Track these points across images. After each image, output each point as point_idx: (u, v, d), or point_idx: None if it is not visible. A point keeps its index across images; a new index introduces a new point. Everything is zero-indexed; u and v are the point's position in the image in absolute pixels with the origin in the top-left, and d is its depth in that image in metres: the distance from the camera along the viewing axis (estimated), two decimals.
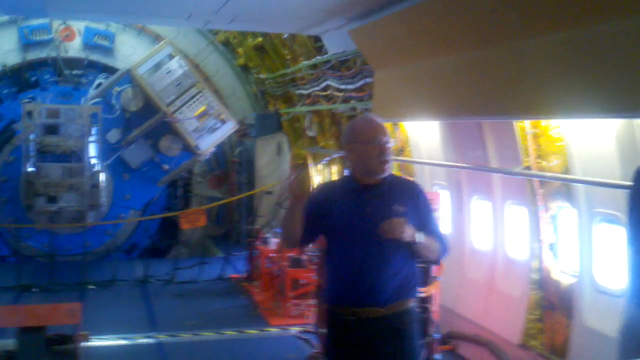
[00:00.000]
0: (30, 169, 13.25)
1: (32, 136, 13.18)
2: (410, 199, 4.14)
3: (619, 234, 5.68)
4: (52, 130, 13.26)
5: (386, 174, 4.12)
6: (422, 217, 4.13)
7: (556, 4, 5.10)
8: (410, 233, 3.90)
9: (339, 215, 4.08)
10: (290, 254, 9.92)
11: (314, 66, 11.71)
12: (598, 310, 5.91)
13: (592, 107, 4.94)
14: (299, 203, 4.08)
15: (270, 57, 14.34)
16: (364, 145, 4.06)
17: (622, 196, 5.28)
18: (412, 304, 4.17)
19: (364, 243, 4.01)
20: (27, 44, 14.41)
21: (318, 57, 11.40)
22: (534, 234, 6.74)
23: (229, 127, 14.41)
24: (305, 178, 14.38)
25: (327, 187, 4.55)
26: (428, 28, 7.01)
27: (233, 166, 15.88)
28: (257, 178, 15.12)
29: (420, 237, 3.96)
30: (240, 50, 15.40)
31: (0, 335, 8.18)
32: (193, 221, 12.01)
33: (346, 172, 4.34)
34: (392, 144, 4.12)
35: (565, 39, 5.12)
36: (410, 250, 4.03)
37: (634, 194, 3.66)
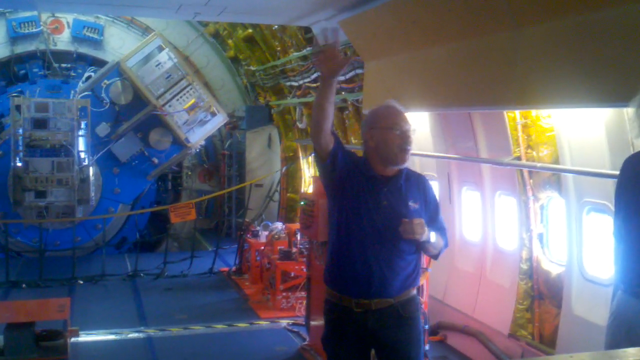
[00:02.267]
0: (18, 164, 13.15)
1: (20, 130, 13.07)
2: (421, 193, 4.11)
3: (608, 224, 5.67)
4: (41, 124, 13.15)
5: (405, 164, 4.04)
6: (431, 212, 4.12)
7: None
8: (427, 233, 3.91)
9: (354, 199, 3.98)
10: (280, 247, 9.90)
11: (305, 57, 11.66)
12: (587, 300, 5.91)
13: (582, 96, 4.92)
14: (330, 75, 3.83)
15: (260, 48, 14.29)
16: (385, 131, 3.96)
17: (611, 186, 5.27)
18: (414, 291, 4.16)
19: (379, 237, 3.94)
20: (15, 37, 14.33)
21: (308, 48, 11.35)
22: (524, 224, 6.73)
23: (219, 120, 14.36)
24: (295, 170, 14.37)
25: (355, 160, 4.16)
26: (419, 19, 6.97)
27: (223, 159, 15.85)
28: (247, 171, 15.09)
29: (433, 237, 3.98)
30: (230, 42, 15.34)
31: None
32: (183, 215, 11.93)
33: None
34: (414, 133, 4.02)
35: (556, 29, 5.10)
36: (419, 245, 4.02)
37: (621, 183, 3.65)
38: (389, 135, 3.95)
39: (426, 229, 3.89)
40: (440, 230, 4.14)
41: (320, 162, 4.06)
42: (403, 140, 3.95)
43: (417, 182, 4.15)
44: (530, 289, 6.66)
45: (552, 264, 6.50)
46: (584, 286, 5.93)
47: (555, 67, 5.19)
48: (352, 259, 4.00)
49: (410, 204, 4.00)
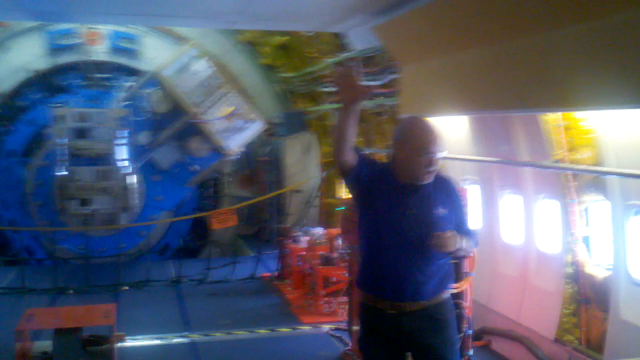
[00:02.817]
0: (62, 173, 13.42)
1: (63, 140, 13.33)
2: (449, 198, 4.13)
3: None
4: (82, 134, 13.41)
5: (427, 182, 4.05)
6: (458, 215, 4.15)
7: None
8: (457, 244, 3.94)
9: (381, 208, 4.02)
10: (321, 252, 9.94)
11: (339, 63, 11.68)
12: (634, 304, 5.81)
13: (621, 97, 4.85)
14: (350, 103, 3.83)
15: (295, 55, 14.36)
16: (413, 150, 3.96)
17: None
18: (447, 294, 4.18)
19: (409, 245, 3.97)
20: (55, 49, 14.63)
21: (343, 54, 11.37)
22: (567, 228, 6.65)
23: (257, 127, 14.47)
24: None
25: (380, 167, 4.22)
26: (453, 21, 6.95)
27: (262, 165, 15.93)
28: (286, 177, 15.15)
29: (461, 243, 3.99)
30: (265, 49, 15.43)
31: (37, 337, 8.32)
32: (224, 221, 12.06)
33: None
34: (442, 154, 4.00)
35: (593, 29, 5.03)
36: (451, 252, 4.05)
37: None
38: (416, 155, 3.96)
39: (458, 239, 3.94)
40: (467, 233, 4.17)
41: (343, 178, 4.13)
42: (429, 163, 3.96)
43: (446, 187, 4.17)
44: (576, 293, 6.58)
45: (597, 267, 6.41)
46: (632, 290, 5.84)
47: (593, 68, 5.12)
48: (384, 266, 4.05)
49: (438, 210, 4.03)
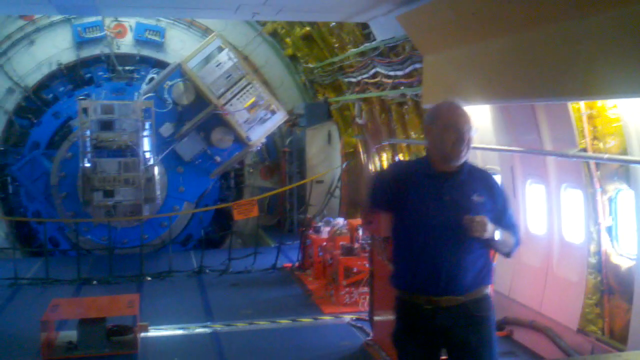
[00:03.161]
0: (87, 165, 13.54)
1: (88, 132, 13.46)
2: (487, 189, 4.05)
3: None
4: (107, 126, 13.51)
5: (460, 162, 4.00)
6: (499, 208, 4.05)
7: None
8: (490, 231, 3.84)
9: (415, 200, 3.98)
10: (342, 243, 9.94)
11: (362, 53, 11.65)
12: None
13: None
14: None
15: (318, 46, 14.34)
16: (441, 130, 3.96)
17: None
18: (488, 290, 4.10)
19: (443, 233, 3.92)
20: (80, 42, 14.82)
21: (366, 44, 11.33)
22: (591, 217, 6.58)
23: (279, 118, 14.48)
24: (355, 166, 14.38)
25: (404, 167, 4.34)
26: (477, 10, 6.89)
27: (284, 156, 15.97)
28: (307, 167, 15.17)
29: (498, 235, 3.90)
30: (288, 40, 15.44)
31: (62, 327, 8.43)
32: (246, 212, 12.11)
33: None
34: (472, 133, 3.98)
35: (619, 17, 4.96)
36: (487, 243, 3.98)
37: None
38: (444, 134, 3.95)
39: (489, 226, 3.84)
40: (510, 227, 4.07)
41: None
42: (458, 140, 3.93)
43: (482, 177, 4.12)
44: (600, 283, 6.51)
45: (621, 257, 6.33)
46: None
47: (618, 56, 5.05)
48: (419, 257, 3.99)
49: (474, 197, 3.96)
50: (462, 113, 3.99)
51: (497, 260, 6.74)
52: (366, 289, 8.89)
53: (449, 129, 3.93)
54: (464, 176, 4.02)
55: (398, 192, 4.04)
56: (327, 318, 9.17)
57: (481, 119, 8.43)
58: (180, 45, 15.19)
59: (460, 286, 3.95)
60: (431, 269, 3.95)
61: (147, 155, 14.01)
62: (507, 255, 4.17)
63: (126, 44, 15.19)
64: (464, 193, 3.97)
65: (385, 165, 12.92)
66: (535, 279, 7.59)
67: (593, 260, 6.57)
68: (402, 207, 4.03)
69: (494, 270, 4.18)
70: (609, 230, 6.43)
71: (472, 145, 4.00)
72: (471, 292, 3.97)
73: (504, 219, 4.04)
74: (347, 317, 9.02)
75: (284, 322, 9.07)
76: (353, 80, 12.70)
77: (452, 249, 3.92)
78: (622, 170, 6.21)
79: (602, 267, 6.49)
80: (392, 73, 10.51)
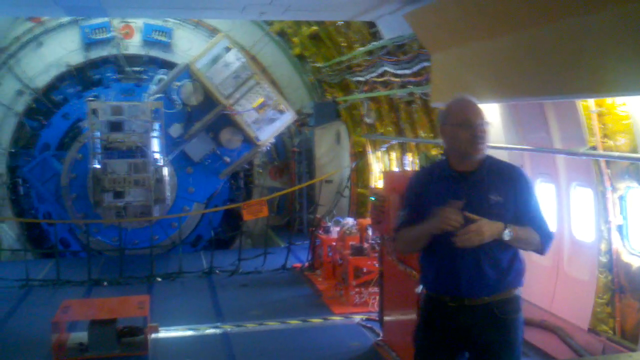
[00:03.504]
0: (97, 166, 13.58)
1: (97, 133, 13.50)
2: (509, 185, 3.95)
3: None
4: (116, 127, 13.53)
5: (480, 157, 3.94)
6: (521, 204, 3.94)
7: None
8: (489, 234, 3.74)
9: (434, 203, 3.91)
10: (352, 243, 9.92)
11: (370, 52, 11.62)
12: None
13: None
14: (438, 231, 3.83)
15: (325, 45, 14.32)
16: (456, 128, 3.92)
17: None
18: (517, 291, 4.02)
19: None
20: (89, 43, 14.85)
21: (374, 43, 11.30)
22: (602, 216, 6.53)
23: (288, 118, 14.48)
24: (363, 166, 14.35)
25: (424, 174, 4.29)
26: (485, 8, 6.85)
27: (293, 156, 15.96)
28: (316, 167, 15.16)
29: (507, 235, 3.78)
30: (295, 39, 15.42)
31: (73, 328, 8.46)
32: (255, 212, 12.12)
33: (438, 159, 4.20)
34: (487, 126, 3.94)
35: (627, 13, 4.91)
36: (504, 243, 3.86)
37: None
38: (459, 131, 3.90)
39: (488, 230, 3.73)
40: (535, 224, 3.94)
41: None
42: (473, 135, 3.87)
43: (504, 174, 4.00)
44: (611, 282, 6.46)
45: (632, 256, 6.28)
46: None
47: (628, 52, 5.01)
48: (441, 261, 3.98)
49: (492, 197, 3.89)
50: (474, 108, 3.96)
51: None
52: (376, 289, 8.87)
53: (462, 126, 3.89)
54: (483, 174, 3.95)
55: (421, 197, 4.04)
56: (337, 318, 9.15)
57: (490, 117, 8.37)
58: (188, 46, 15.20)
59: (482, 288, 3.91)
60: (452, 272, 3.93)
61: (157, 156, 14.03)
62: (538, 251, 4.00)
63: (134, 45, 15.21)
64: (481, 193, 3.90)
65: (393, 164, 12.89)
66: (545, 278, 7.55)
67: (604, 259, 6.53)
68: (425, 211, 3.98)
69: (524, 271, 4.06)
70: (620, 228, 6.38)
71: (489, 138, 3.94)
72: (497, 293, 3.91)
73: (525, 215, 3.93)
74: (357, 318, 9.00)
75: (294, 322, 9.06)
76: (361, 79, 12.67)
77: (470, 252, 3.85)
78: (632, 168, 6.16)
79: (612, 266, 6.44)
80: (400, 72, 10.47)
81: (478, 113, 3.94)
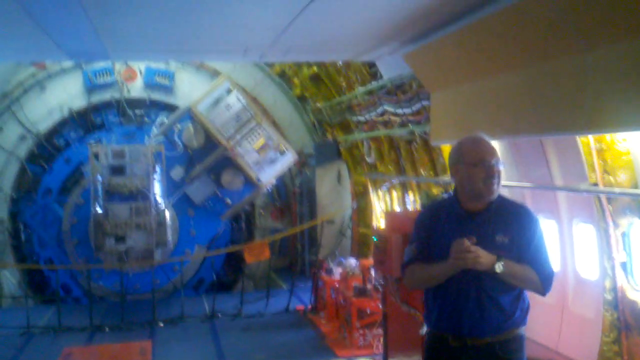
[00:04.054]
0: (98, 210, 13.57)
1: (99, 177, 13.51)
2: (514, 225, 3.91)
3: None
4: (118, 170, 13.55)
5: (493, 198, 3.91)
6: (523, 244, 3.89)
7: (614, 16, 4.93)
8: (485, 262, 3.71)
9: (441, 243, 3.90)
10: (355, 284, 9.83)
11: (370, 92, 11.68)
12: None
13: None
14: (458, 267, 3.81)
15: (325, 85, 14.42)
16: (469, 167, 3.88)
17: None
18: (520, 331, 3.98)
19: (465, 276, 3.84)
20: (91, 87, 14.95)
21: (373, 83, 11.38)
22: (605, 253, 6.46)
23: (289, 158, 14.50)
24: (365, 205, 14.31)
25: (434, 210, 4.25)
26: (483, 47, 6.90)
27: (294, 197, 15.95)
28: (318, 207, 15.12)
29: (499, 267, 3.74)
30: (296, 80, 15.55)
31: None
32: (257, 254, 12.08)
33: (446, 195, 4.17)
34: (501, 166, 3.91)
35: (626, 50, 4.94)
36: (501, 279, 3.82)
37: None
38: (473, 171, 3.87)
39: (484, 258, 3.70)
40: (533, 262, 3.89)
41: None
42: (488, 175, 3.85)
43: (511, 213, 3.97)
44: (616, 320, 6.36)
45: (638, 293, 6.19)
46: None
47: (627, 88, 5.01)
48: (444, 300, 3.95)
49: (498, 237, 3.85)
50: (487, 146, 3.93)
51: None
52: (380, 331, 8.76)
53: (477, 166, 3.85)
54: (490, 214, 3.91)
55: (430, 233, 4.01)
56: None
57: None
58: (190, 88, 15.29)
59: (485, 329, 3.87)
60: (455, 311, 3.90)
61: (159, 199, 14.02)
62: (538, 292, 3.98)
63: (136, 88, 15.32)
64: (488, 233, 3.87)
65: (395, 203, 12.86)
66: (551, 316, 7.45)
67: (609, 296, 6.44)
68: (433, 248, 3.97)
69: (528, 310, 4.04)
70: (624, 265, 6.31)
71: (502, 178, 3.91)
72: (500, 333, 3.87)
73: (526, 254, 3.89)
74: (361, 359, 8.88)
75: None
76: (361, 118, 12.73)
77: (474, 292, 3.84)
78: (634, 203, 6.12)
79: (618, 304, 6.35)
80: (399, 111, 10.52)
81: (493, 152, 3.91)
